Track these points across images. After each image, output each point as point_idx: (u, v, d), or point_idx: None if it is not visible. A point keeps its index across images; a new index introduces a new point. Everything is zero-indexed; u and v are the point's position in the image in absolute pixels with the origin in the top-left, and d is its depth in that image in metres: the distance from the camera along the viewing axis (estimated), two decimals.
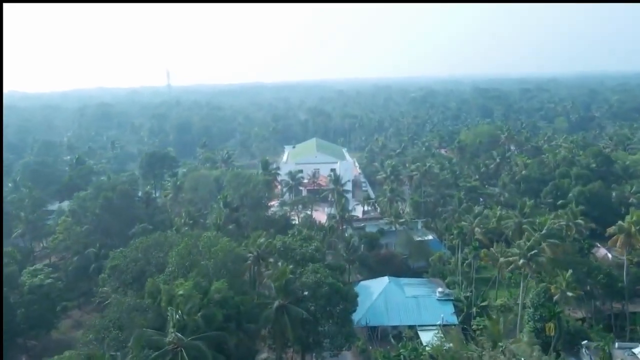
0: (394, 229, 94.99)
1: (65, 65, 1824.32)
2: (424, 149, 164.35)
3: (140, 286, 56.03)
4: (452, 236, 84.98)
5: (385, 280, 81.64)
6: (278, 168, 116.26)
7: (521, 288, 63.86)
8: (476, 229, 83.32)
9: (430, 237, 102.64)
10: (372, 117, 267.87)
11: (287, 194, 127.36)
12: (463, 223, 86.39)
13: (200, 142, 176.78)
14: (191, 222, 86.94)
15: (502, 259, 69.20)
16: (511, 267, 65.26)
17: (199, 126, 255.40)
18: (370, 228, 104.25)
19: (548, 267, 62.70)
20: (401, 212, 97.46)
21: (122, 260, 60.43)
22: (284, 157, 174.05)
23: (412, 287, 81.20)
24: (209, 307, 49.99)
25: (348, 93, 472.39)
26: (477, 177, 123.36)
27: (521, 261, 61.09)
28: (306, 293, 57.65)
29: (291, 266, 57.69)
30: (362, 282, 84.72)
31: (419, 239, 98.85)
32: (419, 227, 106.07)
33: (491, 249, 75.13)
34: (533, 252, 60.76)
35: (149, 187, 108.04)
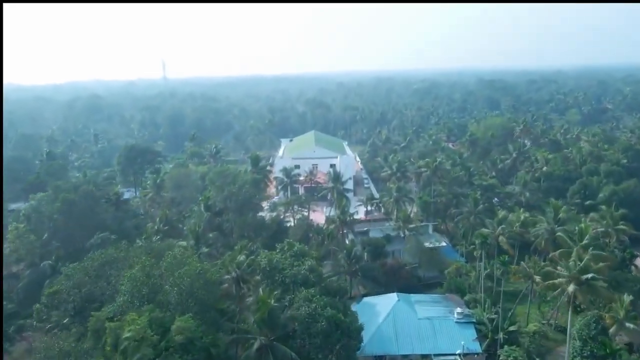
0: (402, 235, 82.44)
1: (62, 58, 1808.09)
2: (430, 142, 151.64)
3: (85, 319, 43.77)
4: (472, 246, 72.36)
5: (393, 297, 69.29)
6: (270, 164, 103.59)
7: (569, 320, 51.11)
8: (501, 237, 70.86)
9: (443, 243, 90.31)
10: (374, 109, 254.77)
11: (282, 193, 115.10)
12: (485, 230, 73.96)
13: (190, 135, 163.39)
14: (166, 228, 74.65)
15: (537, 278, 56.88)
16: (557, 292, 52.51)
17: (191, 118, 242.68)
18: (375, 233, 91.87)
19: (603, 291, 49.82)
20: (411, 215, 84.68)
21: (67, 282, 47.97)
22: (280, 152, 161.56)
23: (425, 306, 68.86)
24: (168, 355, 37.79)
25: (349, 85, 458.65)
26: (493, 174, 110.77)
27: (571, 287, 48.42)
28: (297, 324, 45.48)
29: (276, 292, 45.32)
30: (366, 299, 72.40)
31: (431, 245, 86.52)
32: (430, 231, 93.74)
33: (522, 263, 62.71)
34: (589, 275, 47.82)
35: (119, 186, 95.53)
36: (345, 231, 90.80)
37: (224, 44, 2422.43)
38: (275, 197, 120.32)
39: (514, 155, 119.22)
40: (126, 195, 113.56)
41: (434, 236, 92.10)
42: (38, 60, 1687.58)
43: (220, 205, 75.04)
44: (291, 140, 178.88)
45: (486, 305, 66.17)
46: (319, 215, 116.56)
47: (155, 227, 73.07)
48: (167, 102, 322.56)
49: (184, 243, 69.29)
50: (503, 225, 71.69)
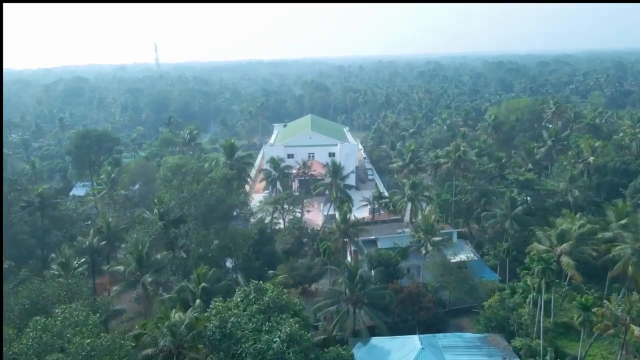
0: (424, 252, 62.31)
1: (59, 43, 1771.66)
2: (445, 127, 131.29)
3: None
4: (528, 272, 52.32)
5: (414, 343, 49.63)
6: (249, 156, 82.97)
7: None
8: (564, 257, 51.04)
9: (473, 256, 70.68)
10: (378, 92, 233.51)
11: (270, 189, 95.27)
12: (539, 246, 54.05)
13: (166, 119, 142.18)
14: (104, 243, 54.78)
15: (636, 330, 37.17)
16: None
17: (178, 102, 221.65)
18: (384, 242, 72.20)
19: None
20: (435, 223, 64.35)
21: None
22: (272, 139, 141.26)
23: (460, 356, 49.39)
24: None
25: (349, 69, 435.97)
26: (530, 166, 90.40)
27: None
28: None
29: None
30: (375, 341, 52.82)
31: (457, 259, 66.65)
32: (454, 239, 73.81)
33: (607, 303, 42.85)
34: None
35: (46, 185, 75.32)
36: (346, 239, 71.06)
37: (222, 29, 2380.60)
38: (265, 193, 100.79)
39: (549, 142, 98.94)
40: (80, 192, 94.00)
41: (461, 247, 72.30)
42: (34, 44, 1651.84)
43: (178, 211, 55.00)
44: (285, 126, 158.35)
45: (547, 358, 46.62)
46: (316, 215, 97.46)
47: (87, 243, 53.18)
48: (155, 85, 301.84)
49: (120, 268, 49.68)
50: (571, 241, 51.60)
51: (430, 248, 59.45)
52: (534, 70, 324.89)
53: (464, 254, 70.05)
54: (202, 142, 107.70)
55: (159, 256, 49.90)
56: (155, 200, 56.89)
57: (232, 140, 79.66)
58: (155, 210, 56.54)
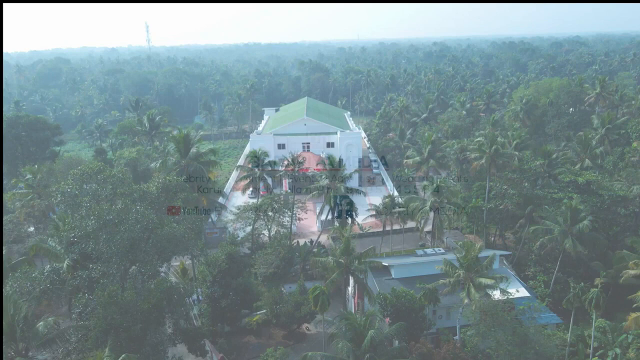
0: (466, 300, 42.22)
1: (52, 25, 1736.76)
2: (464, 112, 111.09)
3: None
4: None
5: None
6: (211, 152, 62.45)
7: None
8: None
9: (524, 290, 51.24)
10: (382, 73, 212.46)
11: (252, 191, 75.46)
12: None
13: (131, 102, 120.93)
14: None
15: None
16: None
17: (162, 85, 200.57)
18: (400, 271, 52.62)
19: None
20: (481, 256, 44.06)
21: None
22: (260, 126, 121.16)
23: None
24: None
25: (351, 51, 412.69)
26: (587, 162, 70.20)
27: None
28: None
29: None
30: None
31: (502, 296, 46.52)
32: (496, 265, 53.80)
33: None
34: None
35: None
36: (351, 268, 51.32)
37: (220, 13, 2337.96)
38: (249, 192, 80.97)
39: (602, 131, 78.90)
40: None
41: (504, 273, 52.22)
42: (28, 27, 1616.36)
43: (91, 244, 35.20)
44: (277, 110, 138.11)
45: None
46: (310, 220, 78.60)
47: None
48: (142, 67, 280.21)
49: None
50: None
51: (475, 294, 39.68)
52: (547, 50, 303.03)
53: (512, 287, 50.47)
54: (169, 130, 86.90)
55: (51, 319, 30.35)
56: (60, 223, 37.15)
57: (184, 132, 59.50)
58: (58, 241, 36.75)
